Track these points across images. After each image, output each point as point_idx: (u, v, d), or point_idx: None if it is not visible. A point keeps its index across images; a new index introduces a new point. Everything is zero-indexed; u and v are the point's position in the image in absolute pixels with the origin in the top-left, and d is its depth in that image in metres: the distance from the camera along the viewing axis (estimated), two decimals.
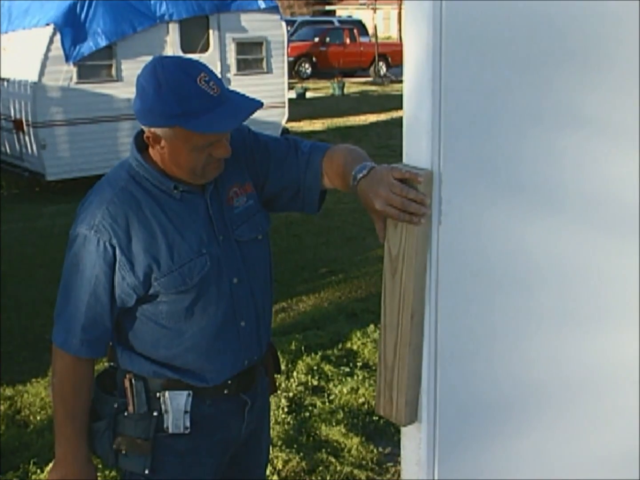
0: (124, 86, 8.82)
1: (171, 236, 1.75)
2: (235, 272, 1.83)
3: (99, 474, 3.17)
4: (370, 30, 24.77)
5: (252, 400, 1.94)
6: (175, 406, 1.81)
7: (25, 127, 8.66)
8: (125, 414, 1.82)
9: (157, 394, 1.81)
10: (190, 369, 1.82)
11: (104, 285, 1.74)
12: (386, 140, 11.62)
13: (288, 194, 1.89)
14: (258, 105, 1.71)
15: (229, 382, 1.87)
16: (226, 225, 1.83)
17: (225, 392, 1.87)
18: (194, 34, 9.50)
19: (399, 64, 19.61)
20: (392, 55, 22.28)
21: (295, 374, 4.10)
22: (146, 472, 1.82)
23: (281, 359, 4.13)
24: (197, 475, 1.89)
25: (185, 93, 1.63)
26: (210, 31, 9.71)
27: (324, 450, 3.39)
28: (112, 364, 1.91)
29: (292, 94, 15.17)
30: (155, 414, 1.81)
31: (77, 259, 1.75)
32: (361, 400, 3.82)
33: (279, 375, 2.49)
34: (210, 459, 1.90)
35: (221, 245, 1.81)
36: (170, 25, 9.27)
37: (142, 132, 1.77)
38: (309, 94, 17.80)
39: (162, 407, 1.81)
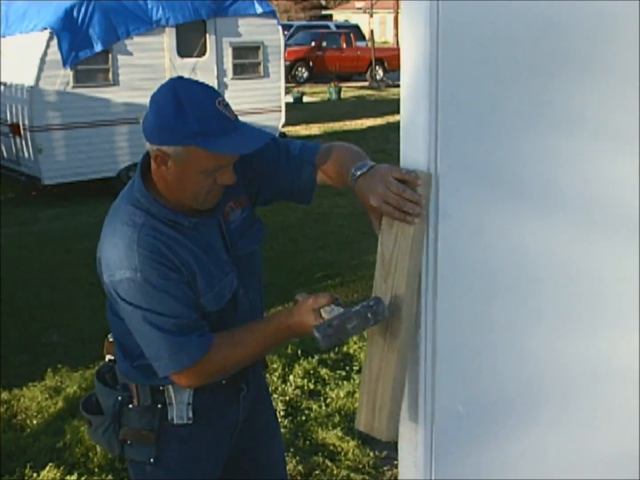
0: (121, 90, 8.82)
1: (200, 260, 1.75)
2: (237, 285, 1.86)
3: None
4: (367, 35, 24.76)
5: (247, 385, 1.97)
6: (179, 399, 1.85)
7: (22, 131, 8.64)
8: (130, 406, 1.86)
9: (161, 387, 1.84)
10: None
11: (183, 292, 1.70)
12: (383, 145, 11.60)
13: (281, 197, 1.94)
14: (269, 137, 1.73)
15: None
16: (226, 242, 1.84)
17: (223, 382, 1.90)
18: (190, 39, 9.49)
19: (396, 69, 19.62)
20: (389, 60, 22.26)
21: (291, 377, 4.09)
22: (151, 460, 1.87)
23: (278, 363, 4.16)
24: (201, 460, 1.93)
25: (205, 113, 1.61)
26: (207, 35, 9.71)
27: (320, 453, 3.39)
28: (112, 357, 1.94)
29: (289, 98, 15.15)
30: (159, 406, 1.85)
31: (142, 297, 1.68)
32: (357, 404, 3.81)
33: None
34: (213, 444, 1.95)
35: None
36: (167, 30, 9.26)
37: (144, 164, 1.75)
38: (305, 99, 17.80)
39: (167, 400, 1.85)
